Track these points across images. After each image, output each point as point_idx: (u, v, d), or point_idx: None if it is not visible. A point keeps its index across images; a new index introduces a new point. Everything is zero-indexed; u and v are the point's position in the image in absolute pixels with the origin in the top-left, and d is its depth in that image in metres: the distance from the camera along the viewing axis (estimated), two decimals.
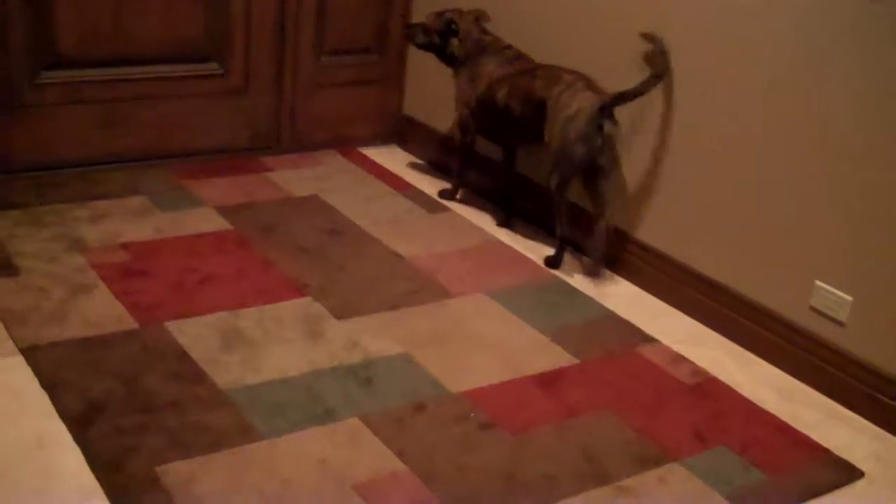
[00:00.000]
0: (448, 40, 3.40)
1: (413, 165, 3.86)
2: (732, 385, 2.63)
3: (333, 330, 2.68)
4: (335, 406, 2.35)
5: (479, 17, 3.40)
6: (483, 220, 3.46)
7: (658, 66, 2.90)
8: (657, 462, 2.28)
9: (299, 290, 2.86)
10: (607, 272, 3.20)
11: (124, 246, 3.00)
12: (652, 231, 3.09)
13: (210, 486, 2.03)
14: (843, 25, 2.50)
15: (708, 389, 2.59)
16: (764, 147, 2.73)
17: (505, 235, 3.36)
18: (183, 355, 2.49)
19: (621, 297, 3.06)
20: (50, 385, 2.31)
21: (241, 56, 3.67)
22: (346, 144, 3.96)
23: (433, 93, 3.79)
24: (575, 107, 2.98)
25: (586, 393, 2.52)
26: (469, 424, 2.34)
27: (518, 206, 3.48)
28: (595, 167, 3.05)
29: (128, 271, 2.86)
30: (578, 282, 3.11)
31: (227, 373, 2.43)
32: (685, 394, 2.56)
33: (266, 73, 3.73)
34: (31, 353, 2.42)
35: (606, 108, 2.96)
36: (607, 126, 2.97)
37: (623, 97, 2.94)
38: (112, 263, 2.89)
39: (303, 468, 2.12)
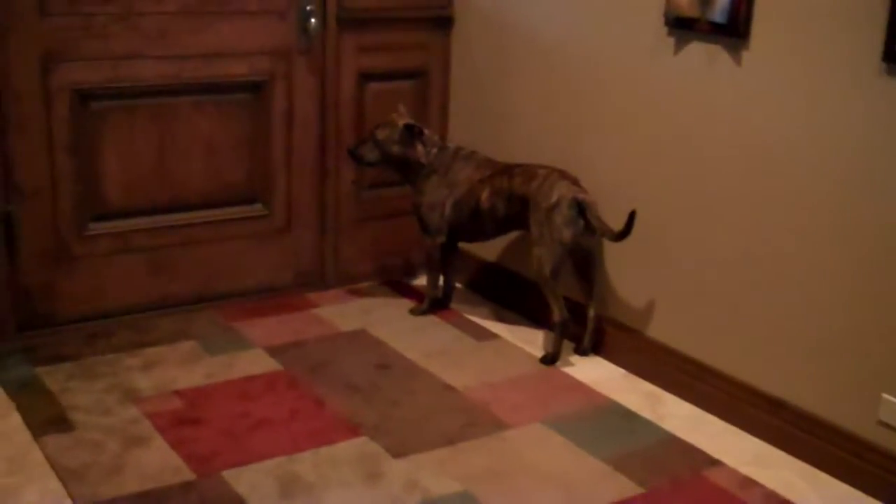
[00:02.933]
0: (412, 148, 3.44)
1: (456, 292, 3.85)
2: None
3: (391, 469, 2.64)
4: None
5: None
6: (533, 347, 3.42)
7: (623, 229, 3.09)
8: None
9: (353, 430, 2.83)
10: (665, 393, 3.14)
11: (177, 393, 3.00)
12: (706, 348, 3.05)
13: None
14: None
15: None
16: (822, 255, 2.70)
17: (560, 362, 3.31)
18: None
19: (680, 418, 3.00)
20: None
21: (284, 196, 3.72)
22: (389, 276, 3.97)
23: None
24: (555, 196, 3.18)
25: None
26: None
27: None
28: (584, 252, 3.27)
29: (182, 419, 2.85)
30: (635, 405, 3.06)
31: None
32: None
33: (308, 211, 3.78)
34: None
35: (583, 203, 3.17)
36: (588, 212, 3.17)
37: (591, 210, 3.17)
38: (166, 412, 2.88)
39: None
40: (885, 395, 2.57)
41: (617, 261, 3.31)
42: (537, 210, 3.23)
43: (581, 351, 3.39)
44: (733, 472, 2.69)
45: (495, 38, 3.70)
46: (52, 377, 3.06)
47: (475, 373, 3.22)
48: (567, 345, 3.38)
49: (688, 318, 3.11)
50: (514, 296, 3.72)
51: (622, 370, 3.30)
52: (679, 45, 3.00)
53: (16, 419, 2.82)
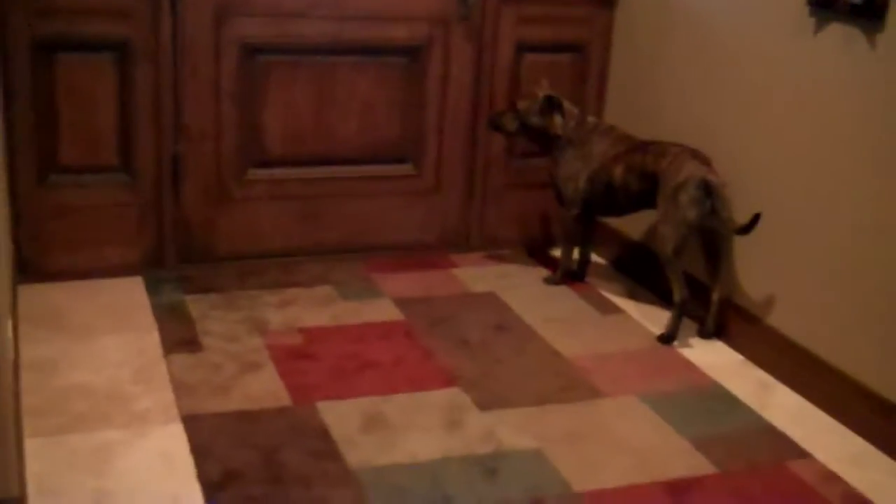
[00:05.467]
0: (550, 119, 3.46)
1: (596, 265, 3.88)
2: None
3: (473, 420, 2.74)
4: (454, 494, 2.40)
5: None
6: (657, 325, 3.39)
7: (746, 225, 3.07)
8: None
9: (451, 381, 2.95)
10: (766, 377, 3.08)
11: (301, 330, 3.21)
12: (826, 342, 2.95)
13: None
14: None
15: None
16: None
17: (680, 342, 3.29)
18: (324, 433, 2.63)
19: (785, 409, 2.93)
20: (198, 452, 2.50)
21: (434, 158, 3.86)
22: (532, 244, 4.04)
23: None
24: (683, 175, 3.17)
25: None
26: None
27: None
28: (713, 234, 3.23)
29: (298, 353, 3.06)
30: (742, 391, 3.01)
31: (360, 452, 2.54)
32: None
33: (457, 174, 3.90)
34: (191, 422, 2.64)
35: (711, 185, 3.14)
36: (715, 194, 3.14)
37: (718, 193, 3.14)
38: (286, 345, 3.10)
39: None
40: None
41: (746, 246, 3.25)
42: (665, 187, 3.22)
43: (704, 334, 3.35)
44: (820, 467, 2.62)
45: (656, 16, 3.69)
46: (197, 305, 3.35)
47: (588, 343, 3.26)
48: (692, 327, 3.35)
49: (810, 310, 3.01)
50: (652, 274, 3.71)
51: (741, 356, 3.24)
52: (819, 26, 2.91)
53: (154, 337, 3.12)
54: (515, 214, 4.03)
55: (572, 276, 3.76)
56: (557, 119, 3.52)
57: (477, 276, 3.76)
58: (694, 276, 3.38)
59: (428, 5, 3.69)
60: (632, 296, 3.67)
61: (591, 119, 3.60)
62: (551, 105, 3.53)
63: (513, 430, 2.70)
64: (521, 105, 3.57)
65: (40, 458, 2.43)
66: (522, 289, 3.66)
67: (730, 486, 2.50)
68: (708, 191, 3.15)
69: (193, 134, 3.53)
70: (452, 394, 2.88)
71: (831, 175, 2.92)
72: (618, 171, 3.41)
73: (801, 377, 3.02)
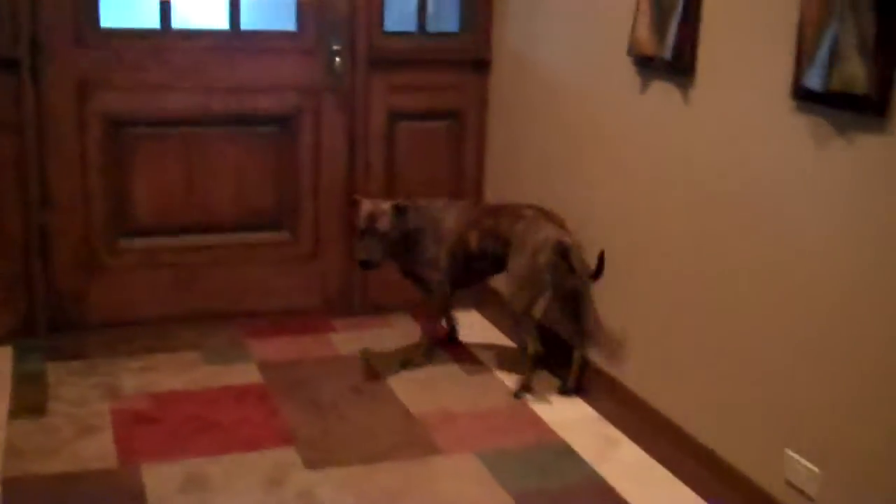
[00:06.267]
0: (405, 223, 3.39)
1: (484, 331, 3.89)
2: None
3: (297, 479, 2.73)
4: None
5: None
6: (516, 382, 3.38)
7: (596, 269, 3.10)
8: None
9: (288, 441, 2.94)
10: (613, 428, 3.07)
11: (153, 395, 3.22)
12: (665, 398, 2.95)
13: None
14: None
15: None
16: (746, 301, 2.59)
17: (537, 399, 3.29)
18: (139, 495, 2.62)
19: (624, 465, 2.91)
20: None
21: (311, 225, 3.90)
22: (416, 308, 4.01)
23: None
24: (541, 238, 3.17)
25: None
26: None
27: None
28: (572, 293, 3.27)
29: (141, 418, 3.06)
30: (585, 447, 2.99)
31: None
32: None
33: (336, 240, 3.93)
34: (10, 484, 2.64)
35: (566, 246, 3.15)
36: (570, 255, 3.14)
37: (573, 253, 3.15)
38: (131, 410, 3.11)
39: None
40: (788, 451, 2.42)
41: (604, 303, 3.26)
42: (521, 249, 3.23)
43: (564, 391, 3.34)
44: None
45: (520, 82, 3.75)
46: (57, 372, 3.36)
47: (442, 401, 3.25)
48: (554, 384, 3.36)
49: (655, 367, 3.02)
50: None
51: (596, 413, 3.23)
52: (644, 84, 2.97)
53: (3, 404, 3.11)
54: (398, 279, 4.02)
55: (448, 340, 3.77)
56: (410, 217, 3.44)
57: (352, 340, 3.77)
58: (557, 334, 3.39)
59: (295, 75, 3.76)
60: (504, 355, 3.67)
61: (434, 202, 3.55)
62: (402, 210, 3.43)
63: (334, 489, 2.69)
64: (381, 225, 3.34)
65: None
66: (395, 353, 3.66)
67: None
68: (564, 253, 3.16)
69: (61, 205, 3.57)
70: (284, 454, 2.87)
71: (664, 229, 2.94)
72: (473, 239, 3.41)
73: (646, 433, 3.01)
